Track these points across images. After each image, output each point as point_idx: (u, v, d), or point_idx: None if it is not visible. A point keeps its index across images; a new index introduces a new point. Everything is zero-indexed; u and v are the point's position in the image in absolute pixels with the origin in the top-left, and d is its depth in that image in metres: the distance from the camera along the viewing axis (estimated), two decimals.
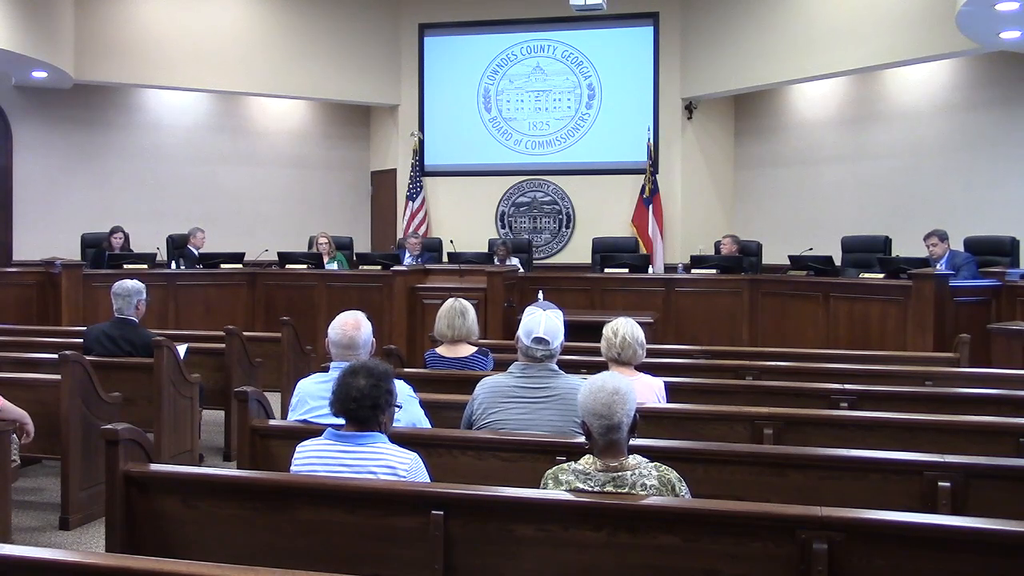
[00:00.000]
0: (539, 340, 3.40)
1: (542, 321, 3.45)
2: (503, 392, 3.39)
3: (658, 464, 2.55)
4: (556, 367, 3.44)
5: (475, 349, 4.54)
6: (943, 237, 7.35)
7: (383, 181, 12.36)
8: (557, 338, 3.44)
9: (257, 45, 11.08)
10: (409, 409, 3.37)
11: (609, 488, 2.48)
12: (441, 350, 4.56)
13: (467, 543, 2.49)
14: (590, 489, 2.50)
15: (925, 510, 2.77)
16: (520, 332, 3.49)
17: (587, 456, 2.58)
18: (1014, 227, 7.94)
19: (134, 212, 10.82)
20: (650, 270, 9.66)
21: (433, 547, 2.48)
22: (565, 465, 2.60)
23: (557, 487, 2.56)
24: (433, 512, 2.49)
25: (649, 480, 2.49)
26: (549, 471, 2.63)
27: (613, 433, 2.52)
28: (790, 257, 8.56)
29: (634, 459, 2.54)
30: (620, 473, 2.50)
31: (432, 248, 10.46)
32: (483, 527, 2.48)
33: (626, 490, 2.47)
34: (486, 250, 10.08)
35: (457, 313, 4.51)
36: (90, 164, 10.99)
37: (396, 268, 8.42)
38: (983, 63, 8.82)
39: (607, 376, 2.63)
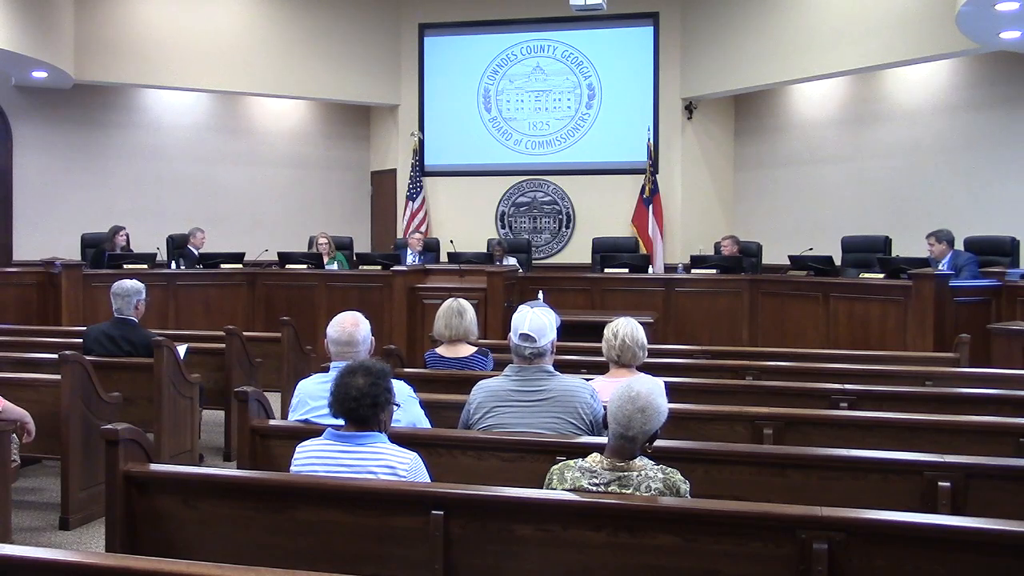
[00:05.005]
0: (525, 337, 3.36)
1: (528, 318, 3.40)
2: (498, 395, 3.36)
3: (664, 467, 2.55)
4: (551, 368, 3.40)
5: (475, 349, 4.53)
6: (940, 238, 7.32)
7: (383, 181, 12.36)
8: (545, 335, 3.38)
9: (257, 45, 11.08)
10: (409, 409, 3.36)
11: (614, 487, 2.49)
12: (441, 350, 4.56)
13: (467, 543, 2.49)
14: (595, 487, 2.50)
15: (925, 510, 2.77)
16: (510, 331, 3.47)
17: (595, 454, 2.59)
18: (1014, 227, 7.94)
19: (134, 212, 10.81)
20: (650, 270, 9.67)
21: (433, 547, 2.48)
22: (571, 462, 2.60)
23: (562, 483, 2.57)
24: (433, 512, 2.48)
25: (655, 483, 2.49)
26: (555, 466, 2.63)
27: (626, 441, 2.54)
28: (790, 257, 8.55)
29: (641, 461, 2.55)
30: (626, 473, 2.51)
31: (432, 248, 10.46)
32: (483, 527, 2.48)
33: (630, 490, 2.48)
34: (486, 250, 10.08)
35: (454, 312, 4.50)
36: (90, 164, 10.99)
37: (396, 268, 8.42)
38: (983, 63, 8.82)
39: (643, 390, 2.58)
